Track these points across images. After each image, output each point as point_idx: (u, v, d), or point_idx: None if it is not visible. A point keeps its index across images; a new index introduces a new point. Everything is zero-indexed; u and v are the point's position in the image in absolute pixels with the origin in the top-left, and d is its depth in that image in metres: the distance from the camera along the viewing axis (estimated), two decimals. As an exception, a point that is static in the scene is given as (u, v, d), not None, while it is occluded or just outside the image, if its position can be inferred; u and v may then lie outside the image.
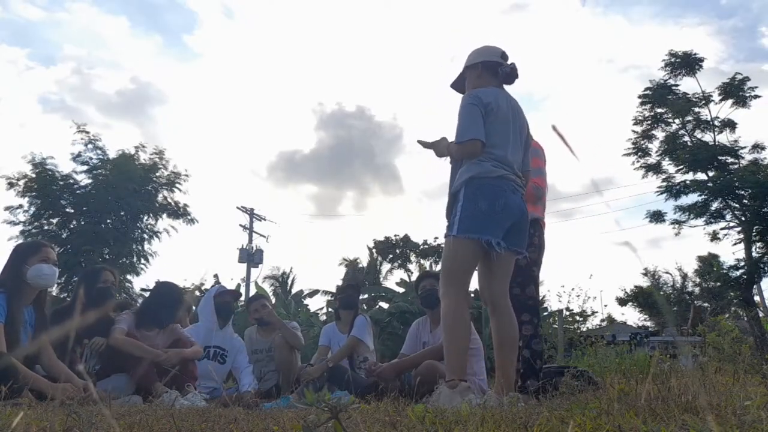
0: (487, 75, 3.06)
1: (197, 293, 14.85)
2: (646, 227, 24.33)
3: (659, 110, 19.36)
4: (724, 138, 18.80)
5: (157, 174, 17.79)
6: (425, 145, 3.07)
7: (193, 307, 5.27)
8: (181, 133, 52.17)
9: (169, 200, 18.10)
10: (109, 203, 16.86)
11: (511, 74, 3.06)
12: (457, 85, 3.24)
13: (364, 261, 33.06)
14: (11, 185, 16.36)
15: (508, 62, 3.09)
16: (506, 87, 3.13)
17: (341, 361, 4.46)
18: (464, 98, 2.97)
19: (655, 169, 19.44)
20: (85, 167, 17.26)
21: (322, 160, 55.65)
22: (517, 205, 2.87)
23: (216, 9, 57.59)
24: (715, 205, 18.40)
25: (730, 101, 18.70)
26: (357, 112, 59.04)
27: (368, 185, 57.88)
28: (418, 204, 56.09)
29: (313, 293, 22.27)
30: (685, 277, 32.06)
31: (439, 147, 3.04)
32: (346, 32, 64.44)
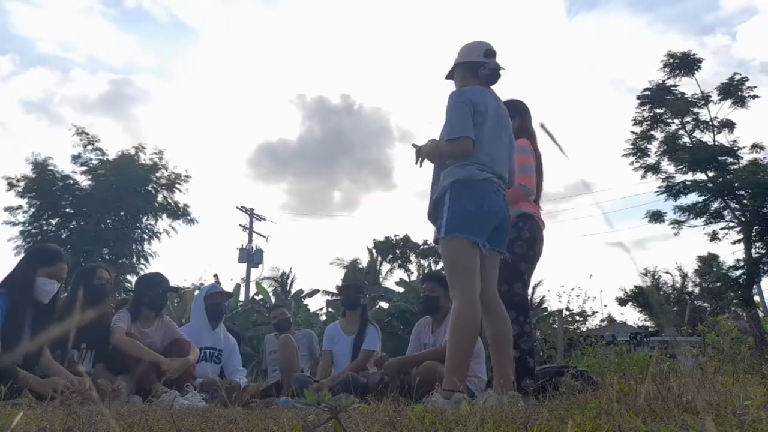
0: (469, 76, 3.07)
1: (196, 293, 14.85)
2: (632, 229, 24.46)
3: (658, 111, 19.38)
4: (723, 138, 18.84)
5: (157, 174, 17.80)
6: (420, 153, 3.02)
7: None
8: (176, 133, 51.96)
9: (169, 200, 18.11)
10: (109, 203, 16.86)
11: (491, 76, 3.05)
12: (452, 76, 3.22)
13: (364, 261, 33.04)
14: (11, 186, 16.38)
15: (494, 60, 3.07)
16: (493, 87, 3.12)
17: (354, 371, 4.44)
18: (452, 96, 2.96)
19: (654, 169, 19.45)
20: (84, 168, 17.28)
21: (312, 156, 55.36)
22: (500, 206, 2.92)
23: (206, 9, 57.33)
24: (714, 206, 18.42)
25: (729, 101, 18.72)
26: (345, 106, 58.73)
27: (361, 181, 57.72)
28: (413, 201, 56.06)
29: (313, 293, 22.26)
30: (685, 277, 32.07)
31: (425, 149, 2.99)
32: (339, 28, 64.34)
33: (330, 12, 63.28)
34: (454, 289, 2.82)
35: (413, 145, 3.06)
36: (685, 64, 19.09)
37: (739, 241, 18.42)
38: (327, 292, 21.52)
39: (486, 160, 2.89)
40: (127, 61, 51.30)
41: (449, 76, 3.25)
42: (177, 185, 18.04)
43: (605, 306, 41.34)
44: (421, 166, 3.03)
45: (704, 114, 19.07)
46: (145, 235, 17.86)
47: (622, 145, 20.05)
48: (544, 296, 21.57)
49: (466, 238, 2.79)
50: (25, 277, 3.22)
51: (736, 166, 18.33)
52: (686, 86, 19.52)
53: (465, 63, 3.09)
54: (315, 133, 56.45)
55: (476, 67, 3.05)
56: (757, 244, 18.26)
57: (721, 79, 19.08)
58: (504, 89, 3.13)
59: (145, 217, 17.82)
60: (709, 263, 28.11)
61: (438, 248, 2.99)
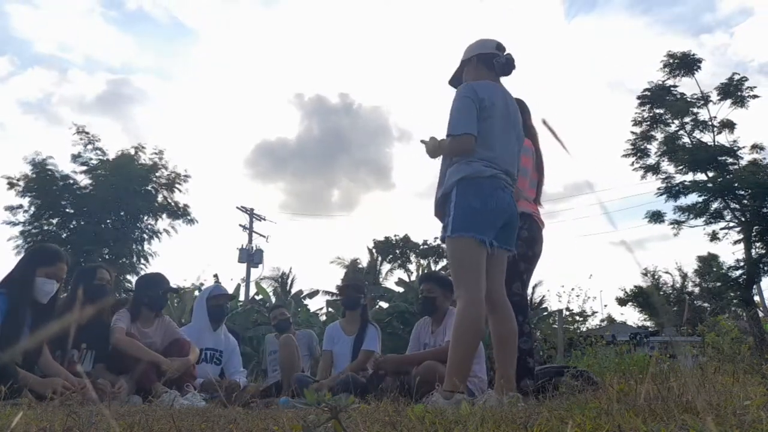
0: (482, 68, 3.03)
1: (196, 293, 14.85)
2: (632, 229, 24.55)
3: (658, 111, 19.39)
4: (723, 138, 18.85)
5: (157, 174, 17.81)
6: (427, 148, 3.05)
7: None
8: (176, 133, 51.93)
9: (169, 200, 18.12)
10: (109, 203, 16.87)
11: (507, 65, 3.02)
12: (455, 81, 3.20)
13: (364, 261, 33.02)
14: (11, 185, 16.39)
15: (504, 53, 3.05)
16: (503, 79, 3.10)
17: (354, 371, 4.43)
18: (459, 90, 2.93)
19: (654, 169, 19.46)
20: (84, 167, 17.28)
21: (311, 155, 55.20)
22: (508, 203, 2.88)
23: (206, 10, 57.22)
24: (714, 206, 18.43)
25: (728, 101, 18.73)
26: (344, 105, 58.58)
27: (359, 181, 57.63)
28: (412, 201, 56.10)
29: (313, 294, 22.23)
30: (685, 277, 32.07)
31: (429, 146, 3.01)
32: (337, 28, 64.31)
33: (328, 12, 63.38)
34: (459, 289, 2.79)
35: (422, 141, 3.06)
36: (684, 64, 19.09)
37: (739, 241, 18.43)
38: (327, 292, 21.48)
39: (492, 156, 2.86)
40: (125, 62, 51.34)
41: (453, 81, 3.21)
42: (177, 185, 18.06)
43: (605, 306, 41.36)
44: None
45: (704, 114, 19.11)
46: (145, 235, 17.87)
47: (622, 146, 20.10)
48: (544, 296, 21.55)
49: (473, 237, 2.75)
50: (24, 277, 3.22)
51: (736, 167, 18.34)
52: (686, 86, 19.56)
53: (478, 55, 3.06)
54: (313, 133, 56.39)
55: (490, 58, 3.03)
56: (757, 244, 18.26)
57: (720, 80, 19.12)
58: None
59: (145, 217, 17.84)
60: (709, 263, 28.11)
61: (444, 246, 2.96)
